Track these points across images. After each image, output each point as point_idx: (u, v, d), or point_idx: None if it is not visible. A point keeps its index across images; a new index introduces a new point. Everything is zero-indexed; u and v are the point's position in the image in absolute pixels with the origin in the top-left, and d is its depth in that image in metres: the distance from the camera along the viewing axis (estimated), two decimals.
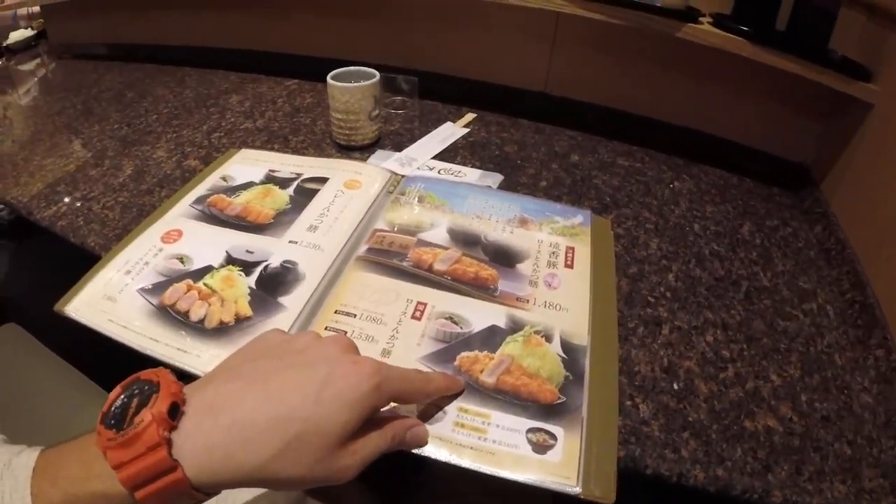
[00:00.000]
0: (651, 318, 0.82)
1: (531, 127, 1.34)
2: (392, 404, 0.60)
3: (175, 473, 0.42)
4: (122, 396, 0.45)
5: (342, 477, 0.49)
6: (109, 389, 0.47)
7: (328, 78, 1.15)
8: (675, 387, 0.72)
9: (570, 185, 1.10)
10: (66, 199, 1.19)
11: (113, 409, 0.44)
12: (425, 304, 0.77)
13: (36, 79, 2.23)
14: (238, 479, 0.45)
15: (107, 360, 0.73)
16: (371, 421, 0.53)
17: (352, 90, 1.13)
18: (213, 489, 0.46)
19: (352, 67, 1.19)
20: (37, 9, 2.64)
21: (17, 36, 2.59)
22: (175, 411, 0.44)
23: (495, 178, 1.11)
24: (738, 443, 0.66)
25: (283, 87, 1.62)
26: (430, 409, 0.64)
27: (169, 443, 0.43)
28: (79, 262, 0.93)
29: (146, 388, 0.45)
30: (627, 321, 0.81)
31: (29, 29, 2.67)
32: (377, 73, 1.17)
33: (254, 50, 1.78)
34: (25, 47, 2.58)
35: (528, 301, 0.79)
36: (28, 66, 2.39)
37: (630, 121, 1.30)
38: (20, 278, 2.94)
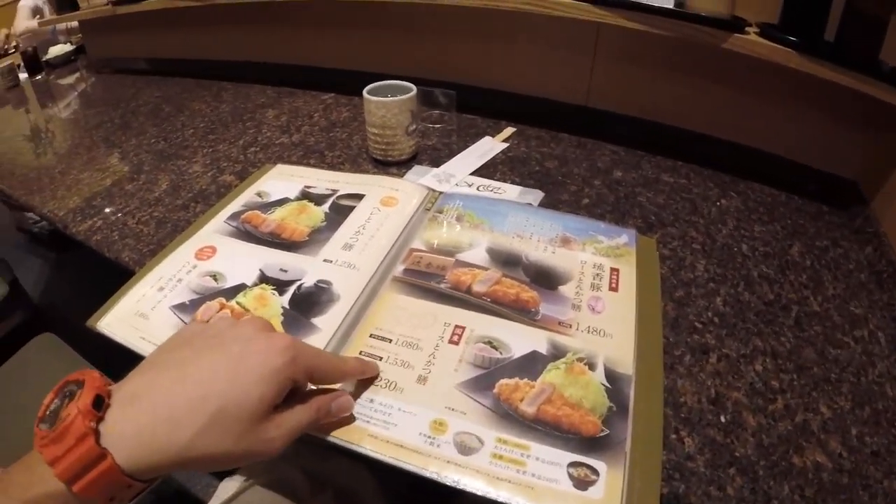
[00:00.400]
0: (698, 345, 0.78)
1: (572, 141, 1.31)
2: (310, 386, 0.62)
3: (105, 461, 0.44)
4: (55, 399, 0.48)
5: (269, 449, 0.51)
6: None
7: (364, 92, 1.14)
8: (723, 419, 0.68)
9: (613, 203, 1.07)
10: (102, 214, 1.19)
11: (47, 412, 0.47)
12: (463, 328, 0.74)
13: (75, 93, 2.27)
14: (168, 461, 0.46)
15: None
16: (296, 396, 0.56)
17: (388, 104, 1.11)
18: (147, 475, 0.47)
19: (388, 81, 1.17)
20: (75, 24, 2.68)
21: (56, 51, 2.64)
22: (100, 403, 0.46)
23: (536, 195, 1.08)
24: (785, 480, 0.63)
25: (320, 101, 1.62)
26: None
27: (96, 433, 0.45)
28: (116, 274, 0.94)
29: (73, 387, 0.48)
30: (673, 348, 0.77)
31: (68, 44, 2.72)
32: (414, 87, 1.15)
33: (290, 64, 1.78)
34: (65, 62, 2.63)
35: (570, 326, 0.75)
36: (68, 81, 2.43)
37: (674, 135, 1.26)
38: (59, 288, 2.98)
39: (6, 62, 2.60)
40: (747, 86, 1.14)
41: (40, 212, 1.30)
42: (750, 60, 1.01)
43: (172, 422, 0.47)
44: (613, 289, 0.81)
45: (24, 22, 3.50)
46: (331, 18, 1.63)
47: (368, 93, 1.14)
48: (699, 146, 1.23)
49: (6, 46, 3.63)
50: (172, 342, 0.57)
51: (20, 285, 2.10)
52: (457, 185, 1.11)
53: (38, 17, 3.45)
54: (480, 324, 0.75)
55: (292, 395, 0.56)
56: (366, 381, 0.67)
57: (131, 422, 0.47)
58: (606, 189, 1.11)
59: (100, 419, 0.46)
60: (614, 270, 0.84)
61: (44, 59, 2.64)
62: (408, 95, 1.13)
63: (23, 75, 2.57)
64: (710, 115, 1.21)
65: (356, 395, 0.66)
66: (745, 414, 0.69)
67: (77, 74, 2.46)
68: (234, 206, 1.05)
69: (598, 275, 0.83)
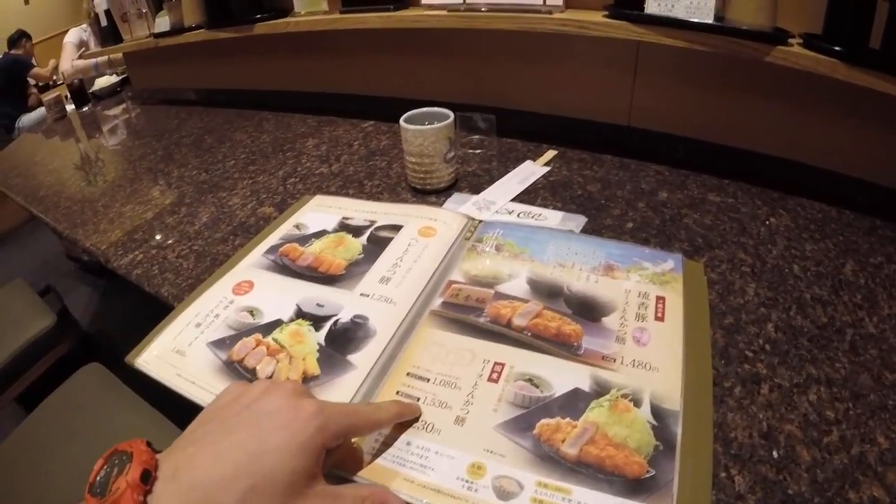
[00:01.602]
0: (749, 375, 0.74)
1: (615, 163, 1.27)
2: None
3: None
4: (105, 467, 0.49)
5: None
6: None
7: (401, 121, 1.12)
8: (775, 455, 0.64)
9: (658, 226, 1.03)
10: (143, 247, 1.20)
11: (97, 479, 0.48)
12: (503, 365, 0.72)
13: (120, 124, 2.31)
14: None
15: (188, 402, 0.74)
16: (352, 484, 0.59)
17: (425, 133, 1.09)
18: None
19: (425, 109, 1.16)
20: (118, 55, 2.74)
21: (102, 82, 2.72)
22: (147, 477, 0.47)
23: (578, 221, 1.05)
24: None
25: (359, 129, 1.61)
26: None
27: None
28: (162, 304, 0.95)
29: (123, 458, 0.49)
30: (723, 380, 0.73)
31: (114, 75, 2.78)
32: (451, 114, 1.13)
33: (331, 92, 1.78)
34: (111, 93, 2.70)
35: (614, 360, 0.72)
36: (113, 112, 2.48)
37: (719, 152, 1.22)
38: (108, 316, 3.04)
39: (54, 94, 2.67)
40: (793, 99, 1.10)
41: (83, 245, 1.31)
42: (794, 73, 0.97)
43: (208, 500, 0.47)
44: (659, 318, 0.78)
45: (68, 62, 3.60)
46: (371, 46, 1.63)
47: (405, 121, 1.13)
48: (745, 163, 1.18)
49: (55, 78, 3.73)
50: (208, 413, 0.58)
51: (70, 314, 2.13)
52: (497, 212, 1.09)
53: (83, 49, 3.54)
54: (520, 360, 0.73)
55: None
56: (405, 422, 0.66)
57: (174, 498, 0.47)
58: (651, 211, 1.08)
59: (147, 492, 0.47)
60: (660, 299, 0.81)
61: (90, 90, 2.70)
62: (445, 122, 1.11)
63: (70, 107, 2.64)
64: (756, 131, 1.17)
65: (393, 437, 0.65)
66: (799, 448, 0.65)
67: (122, 106, 2.52)
68: (272, 238, 1.05)
69: (643, 304, 0.80)
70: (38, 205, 1.62)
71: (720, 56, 1.03)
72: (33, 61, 5.62)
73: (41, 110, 3.95)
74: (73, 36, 4.07)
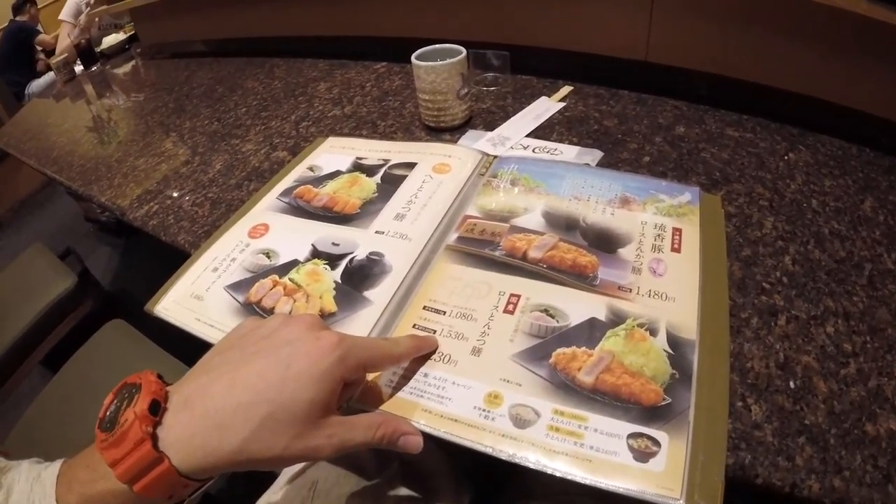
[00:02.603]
0: (766, 307, 0.73)
1: (632, 98, 1.24)
2: (369, 376, 0.64)
3: (162, 464, 0.46)
4: (115, 401, 0.49)
5: (316, 455, 0.52)
6: None
7: (412, 58, 1.10)
8: (792, 385, 0.64)
9: (675, 160, 1.01)
10: (158, 198, 1.21)
11: (107, 414, 0.48)
12: (519, 297, 0.71)
13: (129, 81, 2.31)
14: (221, 463, 0.48)
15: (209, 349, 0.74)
16: (365, 413, 0.58)
17: (437, 69, 1.07)
18: (202, 475, 0.49)
19: (438, 46, 1.13)
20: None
21: (110, 41, 2.69)
22: (156, 408, 0.48)
23: (594, 155, 1.03)
24: (857, 449, 0.58)
25: (372, 70, 1.60)
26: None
27: (153, 437, 0.46)
28: (181, 255, 0.95)
29: (132, 390, 0.49)
30: (740, 311, 0.72)
31: (121, 33, 2.76)
32: (463, 50, 1.11)
33: (342, 35, 1.75)
34: (119, 51, 2.68)
35: (630, 290, 0.71)
36: (122, 69, 2.48)
37: (739, 88, 1.17)
38: (128, 274, 3.07)
39: (62, 56, 2.66)
40: (815, 35, 1.06)
41: (98, 200, 1.32)
42: (817, 7, 0.94)
43: (223, 427, 0.48)
44: (676, 250, 0.77)
45: (66, 42, 3.56)
46: None
47: (417, 58, 1.11)
48: (765, 99, 1.15)
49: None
50: (225, 343, 0.58)
51: (90, 274, 2.15)
52: (512, 148, 1.07)
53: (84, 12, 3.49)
54: (536, 292, 0.72)
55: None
56: (422, 355, 0.66)
57: (184, 426, 0.48)
58: (668, 146, 1.05)
59: (157, 424, 0.47)
60: (676, 231, 0.80)
61: (98, 49, 2.69)
62: (457, 58, 1.09)
63: (78, 68, 2.62)
64: (777, 67, 1.13)
65: (411, 369, 0.65)
66: (816, 379, 0.64)
67: (132, 63, 2.50)
68: (287, 182, 1.04)
69: (659, 236, 0.79)
70: (52, 165, 1.64)
71: None
72: (39, 27, 5.59)
73: (50, 75, 3.93)
74: (67, 11, 4.03)
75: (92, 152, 1.61)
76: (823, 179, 0.94)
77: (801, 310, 0.71)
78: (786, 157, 1.00)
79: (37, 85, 4.91)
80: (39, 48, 5.44)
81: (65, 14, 3.94)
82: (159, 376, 0.52)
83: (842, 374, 0.64)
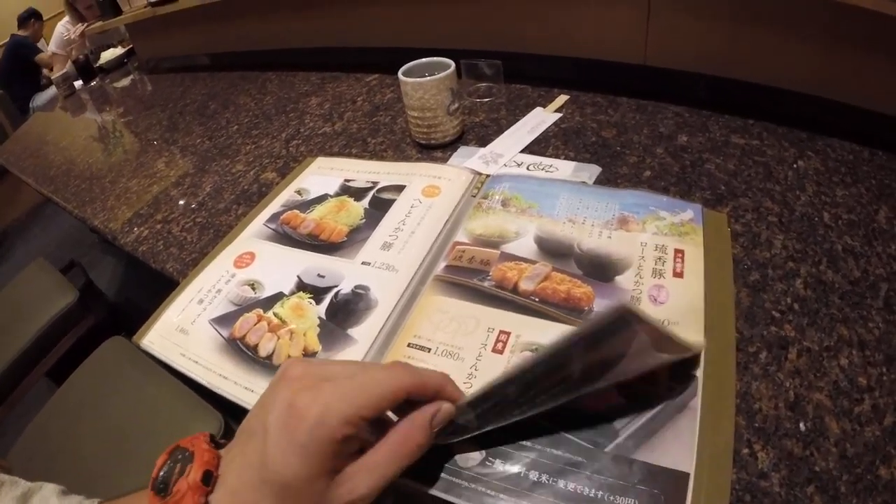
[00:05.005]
0: (776, 338, 0.68)
1: (631, 105, 1.20)
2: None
3: None
4: (168, 462, 0.49)
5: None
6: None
7: (399, 74, 1.07)
8: (802, 427, 0.59)
9: (678, 174, 0.97)
10: (148, 223, 1.20)
11: (160, 475, 0.49)
12: (508, 334, 0.67)
13: (125, 97, 2.36)
14: None
15: None
16: (374, 448, 0.52)
17: (425, 85, 1.04)
18: None
19: (425, 59, 1.10)
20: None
21: (108, 55, 2.73)
22: (209, 478, 0.48)
23: (592, 171, 0.99)
24: (870, 496, 0.54)
25: (363, 83, 1.57)
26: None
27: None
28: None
29: (186, 455, 0.49)
30: (748, 345, 0.68)
31: (119, 47, 2.79)
32: (452, 64, 1.07)
33: (333, 47, 1.74)
34: (117, 65, 2.71)
35: None
36: (120, 84, 2.52)
37: (742, 90, 1.13)
38: (133, 285, 3.06)
39: (62, 72, 2.68)
40: (820, 31, 1.02)
41: (92, 224, 1.30)
42: (819, 3, 0.90)
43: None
44: (678, 274, 0.72)
45: (61, 67, 3.61)
46: None
47: (404, 74, 1.07)
48: (770, 101, 1.10)
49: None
50: (253, 408, 0.55)
51: (95, 287, 2.15)
52: (505, 165, 1.03)
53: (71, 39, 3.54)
54: (527, 328, 0.68)
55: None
56: None
57: (224, 500, 0.48)
58: (670, 157, 1.01)
59: (209, 492, 0.48)
60: (679, 252, 0.75)
61: (96, 64, 2.70)
62: (445, 73, 1.05)
63: (78, 83, 2.64)
64: (781, 66, 1.09)
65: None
66: (828, 419, 0.60)
67: (129, 77, 2.52)
68: (274, 206, 1.02)
69: (660, 259, 0.75)
70: (49, 185, 1.64)
71: None
72: (42, 43, 5.61)
73: (53, 88, 4.00)
74: (55, 43, 4.08)
75: (87, 172, 1.61)
76: (835, 188, 0.90)
77: (813, 340, 0.67)
78: (795, 166, 0.95)
79: (41, 98, 4.94)
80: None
81: (53, 46, 3.98)
82: (211, 437, 0.52)
83: (855, 413, 0.60)
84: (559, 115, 1.19)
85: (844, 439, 0.58)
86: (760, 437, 0.58)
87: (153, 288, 0.95)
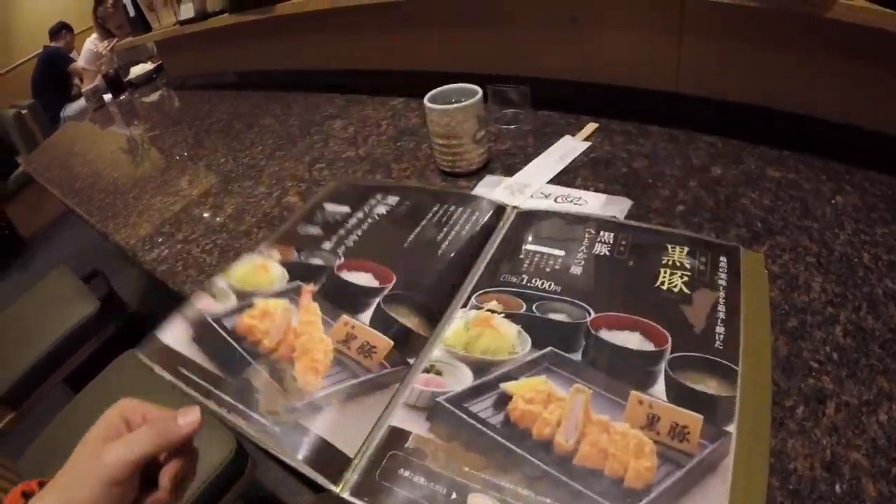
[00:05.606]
0: (814, 391, 0.64)
1: (663, 134, 1.17)
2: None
3: None
4: None
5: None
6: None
7: (425, 101, 1.05)
8: (838, 490, 0.56)
9: (712, 209, 0.93)
10: (168, 242, 1.19)
11: None
12: None
13: (153, 112, 2.39)
14: None
15: None
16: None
17: (452, 112, 1.02)
18: None
19: (452, 86, 1.08)
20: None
21: (137, 70, 2.76)
22: None
23: (623, 204, 0.96)
24: None
25: (388, 107, 1.56)
26: None
27: None
28: None
29: None
30: (784, 398, 0.64)
31: (149, 63, 2.83)
32: (479, 90, 1.05)
33: (360, 69, 1.74)
34: (146, 80, 2.74)
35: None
36: (149, 99, 2.56)
37: (776, 119, 1.10)
38: (156, 293, 3.05)
39: (92, 85, 2.72)
40: (856, 59, 0.98)
41: (114, 240, 1.30)
42: (857, 30, 0.86)
43: None
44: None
45: (92, 81, 3.67)
46: (398, 20, 1.56)
47: (430, 101, 1.05)
48: (805, 131, 1.06)
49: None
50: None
51: (117, 296, 2.15)
52: (532, 196, 1.01)
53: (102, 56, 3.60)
54: None
55: None
56: None
57: None
58: (704, 191, 0.98)
59: None
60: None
61: (126, 79, 2.73)
62: (472, 100, 1.03)
63: (107, 96, 2.67)
64: (816, 95, 1.05)
65: None
66: (865, 480, 0.56)
67: (157, 93, 2.55)
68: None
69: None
70: (74, 197, 1.65)
71: (773, 12, 0.93)
72: (74, 54, 5.68)
73: (84, 99, 4.06)
74: (84, 59, 4.13)
75: (111, 186, 1.61)
76: (874, 226, 0.85)
77: (852, 394, 0.63)
78: (833, 201, 0.91)
79: (72, 109, 4.99)
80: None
81: (82, 62, 4.03)
82: (24, 494, 0.55)
83: (893, 474, 0.56)
84: (588, 143, 1.16)
85: (881, 502, 0.54)
86: (795, 499, 0.55)
87: (177, 299, 0.94)
